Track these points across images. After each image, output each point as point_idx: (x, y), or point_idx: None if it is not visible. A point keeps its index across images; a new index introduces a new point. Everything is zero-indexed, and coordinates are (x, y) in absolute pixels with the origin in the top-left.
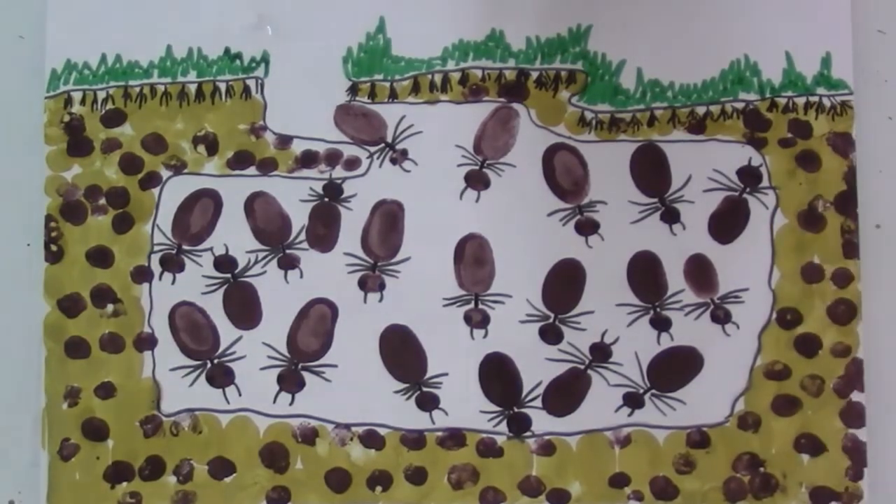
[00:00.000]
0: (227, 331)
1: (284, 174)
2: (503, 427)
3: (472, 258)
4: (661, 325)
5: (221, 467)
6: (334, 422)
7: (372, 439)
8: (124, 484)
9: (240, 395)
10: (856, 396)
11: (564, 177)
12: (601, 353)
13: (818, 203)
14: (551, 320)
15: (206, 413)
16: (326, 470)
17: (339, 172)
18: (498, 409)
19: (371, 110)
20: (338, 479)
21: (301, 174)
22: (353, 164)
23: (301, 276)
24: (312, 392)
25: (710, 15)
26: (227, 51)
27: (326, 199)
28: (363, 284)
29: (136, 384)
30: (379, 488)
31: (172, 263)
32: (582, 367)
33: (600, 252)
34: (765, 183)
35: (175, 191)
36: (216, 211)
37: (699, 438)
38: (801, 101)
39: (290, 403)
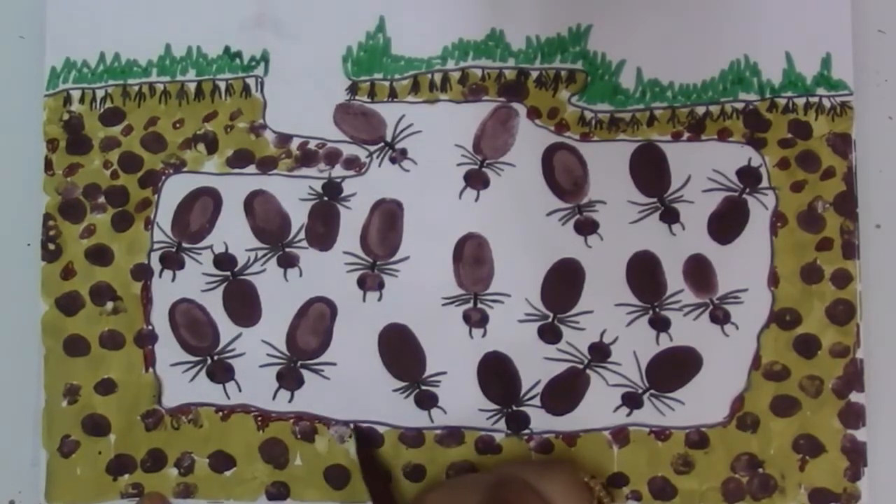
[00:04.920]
0: (226, 328)
1: (284, 173)
2: (501, 425)
3: (472, 257)
4: (660, 325)
5: (222, 461)
6: (333, 419)
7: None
8: (126, 476)
9: (240, 391)
10: (854, 397)
11: (564, 176)
12: (600, 352)
13: (818, 204)
14: (550, 320)
15: (207, 408)
16: (325, 467)
17: (338, 171)
18: (496, 407)
19: (370, 109)
20: (336, 476)
21: (300, 173)
22: (352, 163)
23: (300, 275)
24: (311, 390)
25: (710, 15)
26: (226, 49)
27: (326, 198)
28: (362, 283)
29: (137, 379)
30: None
31: (172, 261)
32: (581, 366)
33: (599, 252)
34: (764, 183)
35: (175, 189)
36: (216, 209)
37: (698, 439)
38: (800, 101)
39: (290, 400)
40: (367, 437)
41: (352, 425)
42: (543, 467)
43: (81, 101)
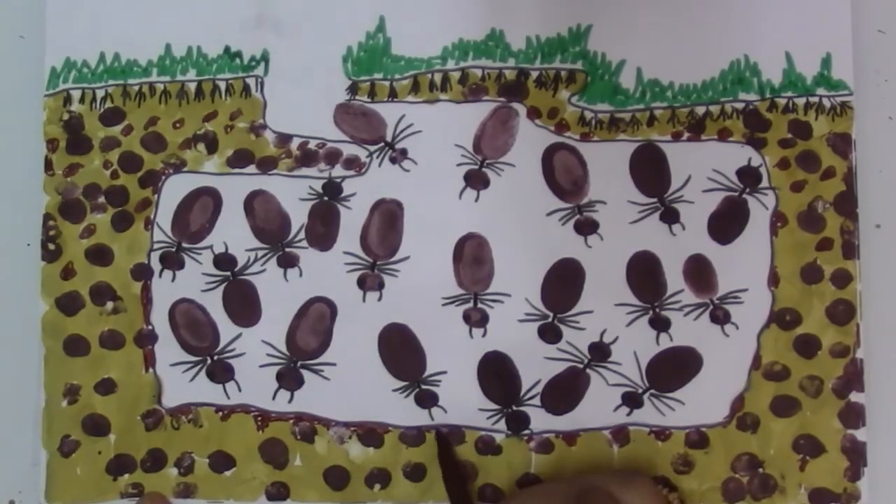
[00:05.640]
0: (226, 328)
1: (284, 173)
2: (502, 425)
3: (472, 257)
4: (661, 325)
5: (221, 461)
6: (333, 420)
7: (371, 437)
8: (126, 476)
9: (240, 391)
10: (854, 397)
11: (564, 176)
12: (600, 352)
13: (818, 204)
14: (550, 319)
15: (207, 408)
16: (325, 467)
17: (338, 171)
18: (497, 407)
19: (371, 109)
20: (336, 477)
21: (301, 173)
22: (352, 162)
23: (300, 275)
24: (311, 390)
25: (710, 15)
26: (226, 49)
27: (326, 198)
28: (362, 283)
29: (137, 379)
30: (378, 486)
31: (172, 261)
32: (581, 366)
33: (599, 252)
34: (764, 183)
35: (175, 189)
36: (216, 209)
37: (698, 438)
38: (801, 101)
39: (290, 401)
40: (447, 440)
41: (433, 430)
42: (624, 479)
43: (81, 101)
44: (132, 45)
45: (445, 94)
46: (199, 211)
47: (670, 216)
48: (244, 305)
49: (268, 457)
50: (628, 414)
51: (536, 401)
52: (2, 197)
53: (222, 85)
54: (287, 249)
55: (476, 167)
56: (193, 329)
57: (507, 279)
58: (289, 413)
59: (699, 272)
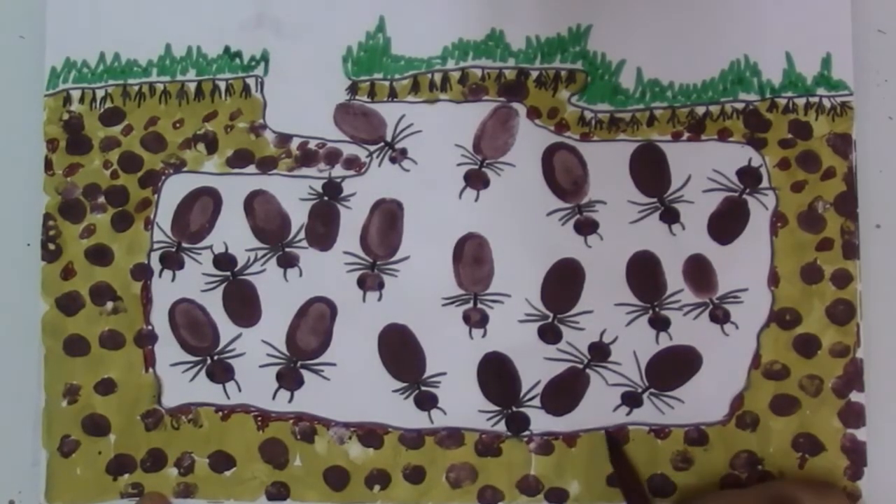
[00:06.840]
0: (226, 328)
1: (284, 173)
2: (502, 426)
3: (472, 257)
4: (660, 324)
5: (222, 461)
6: (333, 420)
7: (370, 438)
8: (126, 476)
9: (240, 391)
10: (854, 396)
11: (564, 176)
12: (600, 352)
13: (818, 204)
14: (550, 320)
15: (207, 408)
16: (325, 468)
17: (338, 171)
18: (496, 408)
19: (371, 109)
20: (336, 477)
21: (300, 173)
22: (352, 162)
23: (300, 275)
24: (311, 390)
25: (710, 15)
26: (226, 49)
27: (326, 198)
28: (362, 283)
29: (137, 379)
30: (377, 487)
31: (172, 261)
32: (581, 366)
33: (599, 252)
34: (764, 183)
35: (175, 189)
36: (216, 209)
37: (697, 436)
38: (801, 101)
39: (290, 401)
40: (618, 441)
41: (604, 431)
42: (818, 490)
43: (81, 101)
44: (132, 45)
45: (445, 94)
46: (199, 211)
47: (670, 216)
48: (244, 305)
49: (268, 457)
50: (628, 413)
51: (536, 401)
52: (2, 197)
53: (222, 85)
54: (287, 249)
55: (476, 167)
56: (193, 329)
57: (507, 279)
58: (289, 413)
59: (699, 272)
